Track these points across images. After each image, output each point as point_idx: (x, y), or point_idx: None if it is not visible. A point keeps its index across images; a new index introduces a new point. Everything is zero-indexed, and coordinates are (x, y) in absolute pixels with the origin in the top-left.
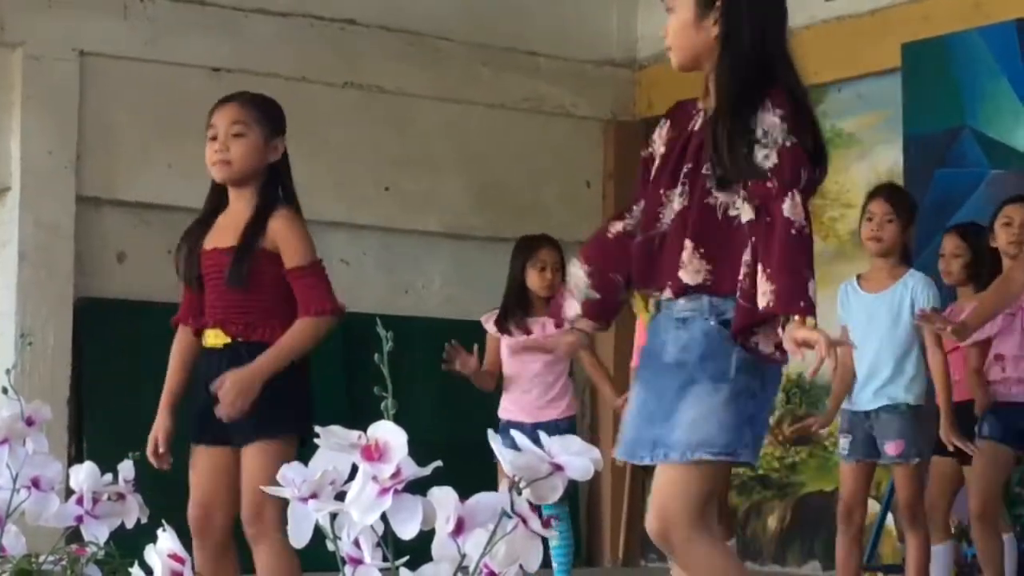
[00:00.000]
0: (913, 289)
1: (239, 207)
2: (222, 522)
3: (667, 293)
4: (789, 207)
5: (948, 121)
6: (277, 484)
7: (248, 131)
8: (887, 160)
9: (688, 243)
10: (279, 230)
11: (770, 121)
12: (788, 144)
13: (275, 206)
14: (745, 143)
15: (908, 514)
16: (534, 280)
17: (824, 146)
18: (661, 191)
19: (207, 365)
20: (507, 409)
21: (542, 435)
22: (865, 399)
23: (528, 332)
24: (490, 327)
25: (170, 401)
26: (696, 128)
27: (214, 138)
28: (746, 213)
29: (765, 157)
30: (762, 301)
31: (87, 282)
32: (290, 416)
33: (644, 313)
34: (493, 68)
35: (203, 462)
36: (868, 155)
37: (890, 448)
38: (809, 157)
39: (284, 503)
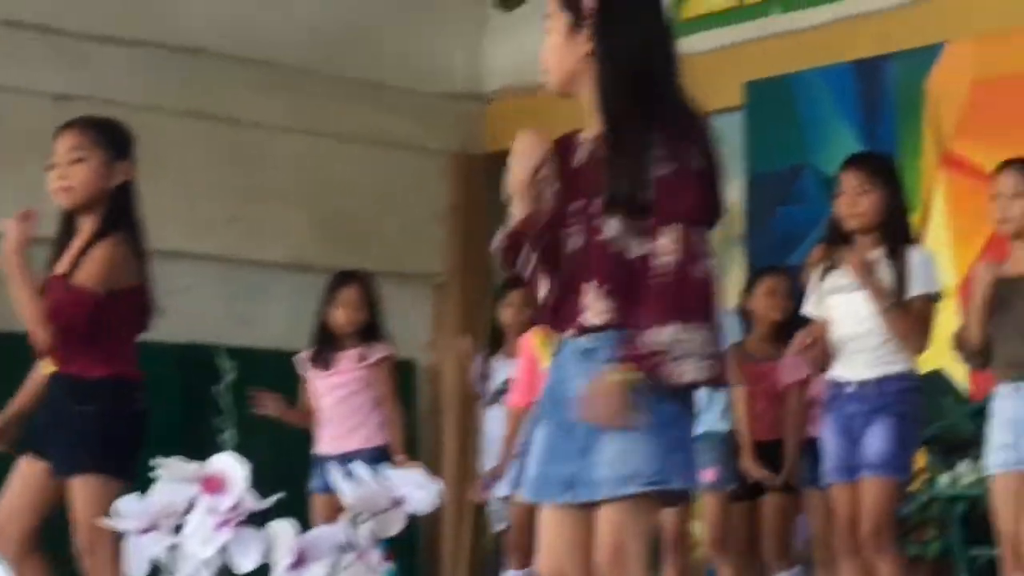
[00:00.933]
0: None
1: (83, 233)
2: (13, 534)
3: (571, 332)
4: (663, 244)
5: (790, 159)
6: (103, 517)
7: (88, 156)
8: (729, 197)
9: (591, 284)
10: (91, 257)
11: (653, 146)
12: (665, 173)
13: (107, 234)
14: (628, 172)
15: (716, 542)
16: (339, 318)
17: (716, 170)
18: (558, 231)
19: (46, 388)
20: (320, 443)
21: (357, 466)
22: None
23: (329, 366)
24: (304, 365)
25: (8, 410)
26: (583, 162)
27: (54, 166)
28: (641, 247)
29: (642, 192)
30: (626, 345)
31: None
32: (109, 454)
33: (544, 351)
34: (341, 100)
35: (18, 470)
36: None
37: (705, 475)
38: (699, 182)
39: (117, 537)
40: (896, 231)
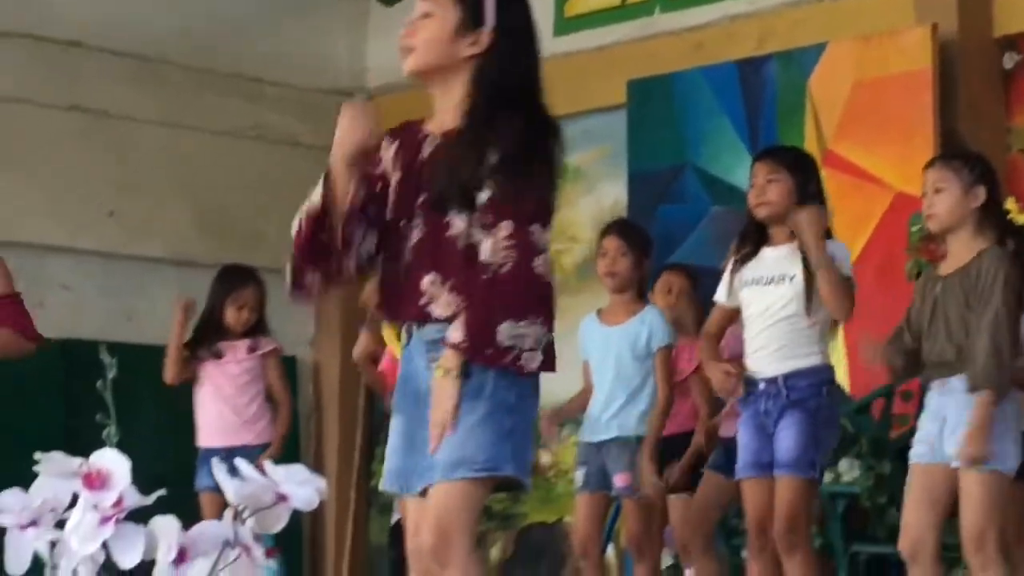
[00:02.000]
0: (651, 324)
1: None
2: None
3: (414, 322)
4: (489, 247)
5: (671, 158)
6: None
7: None
8: (611, 195)
9: (432, 275)
10: None
11: (498, 152)
12: (505, 173)
13: None
14: (471, 170)
15: (634, 547)
16: (232, 317)
17: (550, 182)
18: (400, 223)
19: None
20: (205, 437)
21: (240, 462)
22: (598, 430)
23: (220, 357)
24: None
25: None
26: (427, 155)
27: None
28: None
29: (485, 189)
30: (456, 335)
31: None
32: None
33: (396, 343)
34: (217, 93)
35: None
36: (594, 190)
37: (619, 480)
38: (538, 184)
39: None
40: None
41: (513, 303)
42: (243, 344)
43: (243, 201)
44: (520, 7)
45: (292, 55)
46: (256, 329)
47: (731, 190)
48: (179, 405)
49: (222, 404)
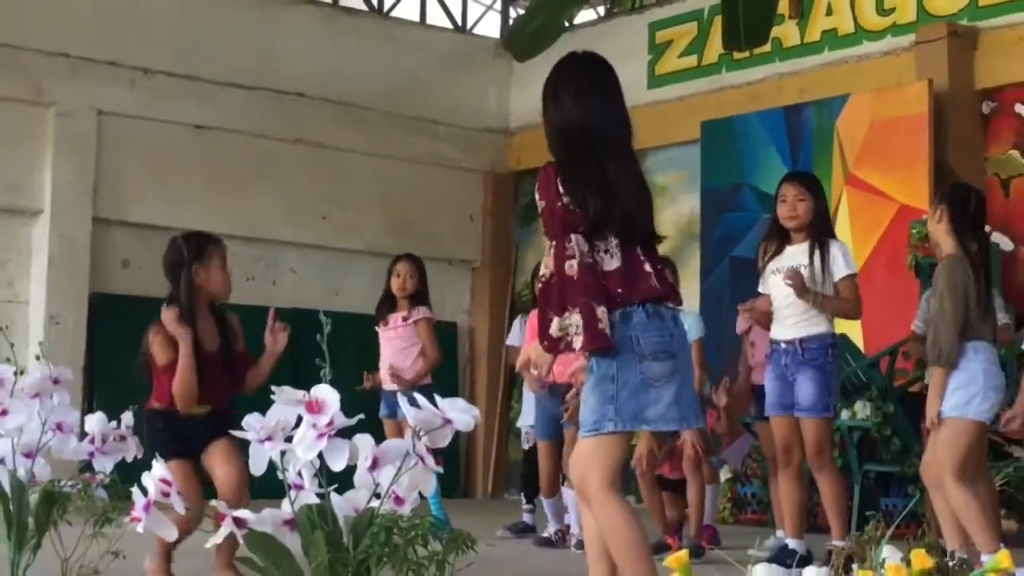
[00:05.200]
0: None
1: None
2: None
3: None
4: (547, 261)
5: (733, 179)
6: None
7: None
8: (687, 205)
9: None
10: None
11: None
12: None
13: None
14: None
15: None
16: (391, 285)
17: (590, 198)
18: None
19: None
20: (385, 380)
21: (413, 396)
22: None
23: (388, 324)
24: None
25: None
26: None
27: None
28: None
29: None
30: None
31: (98, 281)
32: None
33: None
34: (404, 131)
35: None
36: (675, 202)
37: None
38: (563, 210)
39: None
40: (822, 229)
41: (555, 302)
42: (400, 315)
43: (420, 209)
44: None
45: (458, 103)
46: (416, 299)
47: None
48: (371, 356)
49: (390, 358)
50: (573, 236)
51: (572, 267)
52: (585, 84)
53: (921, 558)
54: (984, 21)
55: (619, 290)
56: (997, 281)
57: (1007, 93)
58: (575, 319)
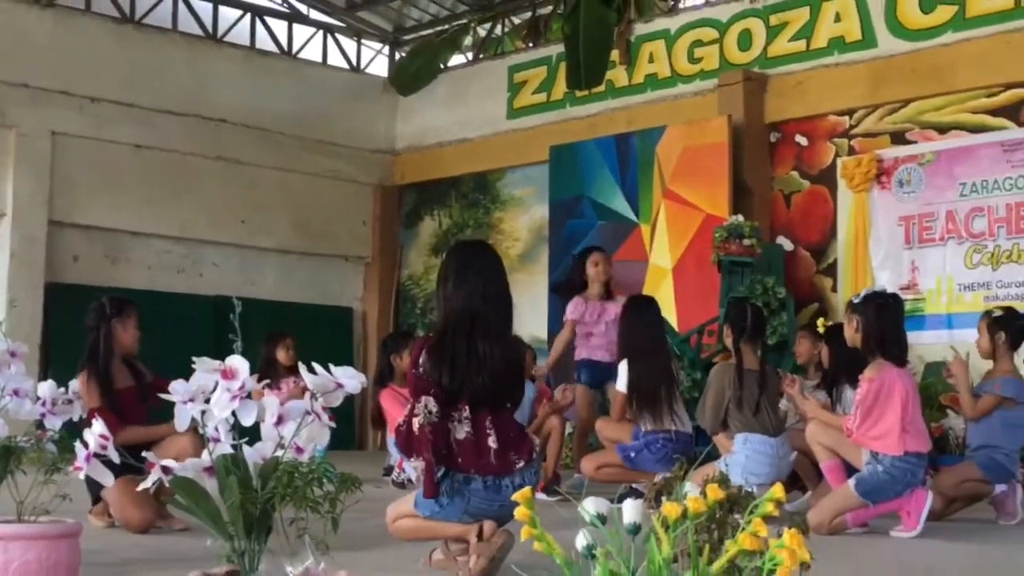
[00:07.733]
0: None
1: None
2: None
3: None
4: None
5: (574, 192)
6: None
7: None
8: (539, 213)
9: None
10: None
11: None
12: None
13: None
14: None
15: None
16: (281, 355)
17: (445, 373)
18: None
19: None
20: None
21: (316, 366)
22: None
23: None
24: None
25: None
26: None
27: None
28: None
29: None
30: None
31: (53, 272)
32: None
33: None
34: (309, 151)
35: None
36: (529, 211)
37: None
38: (418, 379)
39: None
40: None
41: (409, 447)
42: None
43: (322, 215)
44: None
45: (353, 129)
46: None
47: (609, 211)
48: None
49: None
50: (423, 398)
51: (417, 425)
52: (466, 269)
53: (714, 490)
54: (772, 69)
55: (461, 460)
56: (779, 275)
57: (790, 126)
58: (419, 465)
